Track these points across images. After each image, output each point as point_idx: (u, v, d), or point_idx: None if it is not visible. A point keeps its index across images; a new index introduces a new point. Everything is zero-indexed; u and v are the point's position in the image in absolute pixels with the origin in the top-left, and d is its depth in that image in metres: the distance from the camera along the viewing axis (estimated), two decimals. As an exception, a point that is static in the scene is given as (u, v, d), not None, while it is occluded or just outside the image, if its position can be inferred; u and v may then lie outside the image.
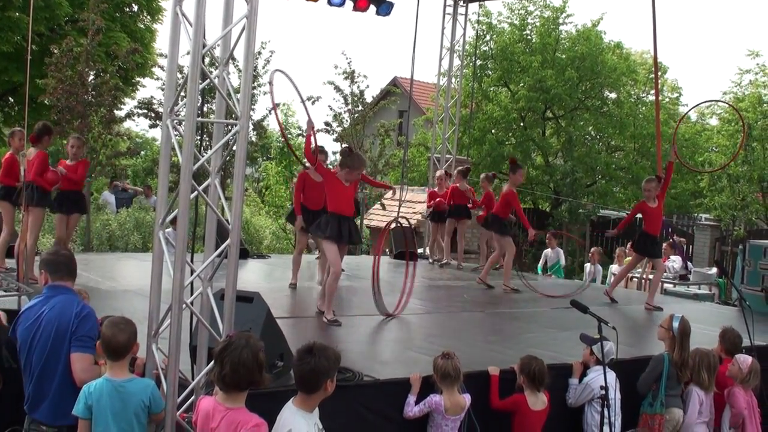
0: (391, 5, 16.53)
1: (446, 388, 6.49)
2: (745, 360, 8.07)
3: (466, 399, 6.57)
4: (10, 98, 25.69)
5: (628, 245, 19.13)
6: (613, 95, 29.21)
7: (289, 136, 25.83)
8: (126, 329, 5.16)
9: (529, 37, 28.73)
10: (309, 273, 12.83)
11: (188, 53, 5.32)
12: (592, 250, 18.04)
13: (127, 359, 5.21)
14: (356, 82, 21.21)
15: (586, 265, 17.82)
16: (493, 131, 28.28)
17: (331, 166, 11.80)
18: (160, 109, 17.93)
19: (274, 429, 4.87)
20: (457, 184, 14.80)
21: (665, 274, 16.53)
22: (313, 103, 21.40)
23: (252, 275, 12.73)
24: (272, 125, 25.81)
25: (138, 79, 25.49)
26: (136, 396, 5.10)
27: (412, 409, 6.49)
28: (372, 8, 16.40)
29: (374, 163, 21.35)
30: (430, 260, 15.87)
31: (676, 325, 7.81)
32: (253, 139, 20.95)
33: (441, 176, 15.40)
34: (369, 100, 22.40)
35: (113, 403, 5.00)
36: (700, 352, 7.89)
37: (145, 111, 20.01)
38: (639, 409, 7.78)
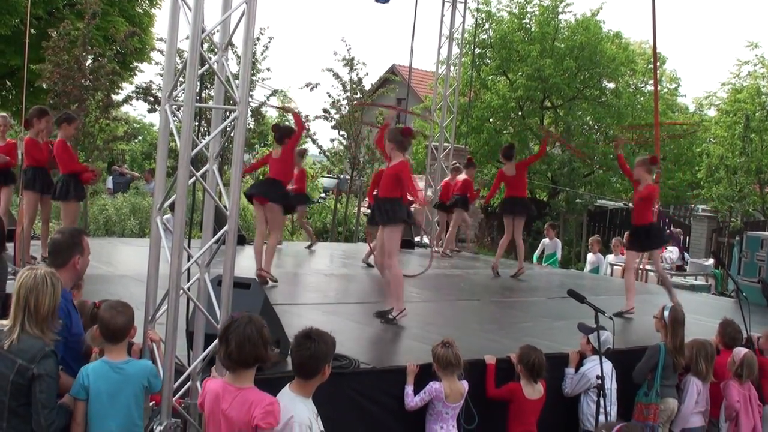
0: (391, -8, 16.51)
1: (446, 375, 6.50)
2: (738, 353, 8.08)
3: (465, 386, 6.58)
4: (7, 82, 25.62)
5: (626, 235, 19.22)
6: (611, 85, 29.19)
7: (287, 123, 25.71)
8: (124, 312, 5.14)
9: (528, 26, 28.70)
10: (298, 262, 12.83)
11: (187, 38, 5.30)
12: (591, 239, 18.02)
13: (125, 343, 5.19)
14: (355, 70, 21.15)
15: (588, 255, 17.80)
16: (491, 120, 28.27)
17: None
18: (159, 94, 17.89)
19: None
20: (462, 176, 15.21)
21: (662, 264, 16.55)
22: (311, 89, 21.36)
23: (249, 261, 12.72)
24: (270, 112, 25.72)
25: (136, 64, 25.44)
26: (135, 377, 5.09)
27: (413, 399, 6.49)
28: (371, -5, 16.39)
29: (372, 150, 21.30)
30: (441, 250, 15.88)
31: (666, 313, 7.85)
32: (252, 125, 20.91)
33: (458, 168, 15.63)
34: (367, 87, 22.31)
35: (110, 385, 4.98)
36: (697, 343, 7.93)
37: (144, 95, 19.96)
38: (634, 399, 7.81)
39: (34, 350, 4.65)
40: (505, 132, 28.31)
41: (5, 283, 6.70)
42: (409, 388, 6.54)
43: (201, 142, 5.43)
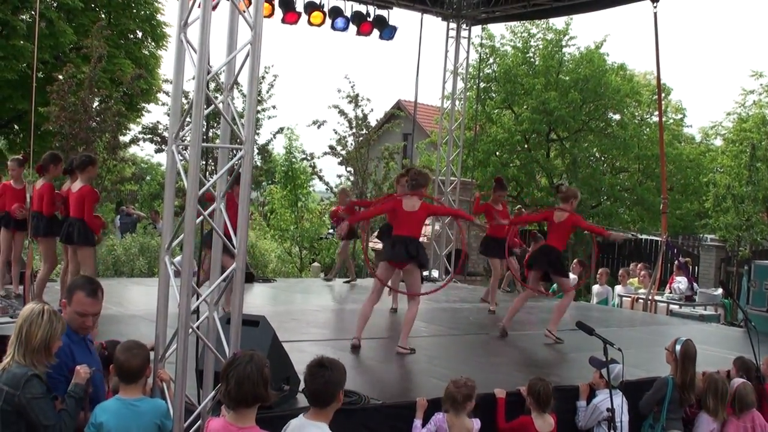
0: (394, 29, 16.65)
1: (452, 411, 6.49)
2: (732, 385, 7.96)
3: (474, 424, 6.54)
4: (15, 125, 25.82)
5: (632, 266, 19.15)
6: (616, 117, 29.24)
7: (293, 160, 25.78)
8: (139, 354, 5.20)
9: (532, 59, 28.82)
10: (307, 298, 12.82)
11: (193, 78, 5.36)
12: (600, 271, 17.89)
13: (140, 382, 5.23)
14: (360, 106, 21.24)
15: (594, 286, 17.71)
16: (497, 153, 28.32)
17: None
18: (166, 134, 17.96)
19: None
20: None
21: (671, 294, 16.51)
22: (319, 126, 21.48)
23: (258, 299, 12.74)
24: (277, 149, 25.79)
25: (143, 104, 25.62)
26: (148, 415, 5.11)
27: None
28: (375, 32, 16.52)
29: (379, 186, 21.37)
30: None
31: (678, 347, 7.77)
32: (258, 163, 21.00)
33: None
34: (373, 123, 22.35)
35: (123, 422, 5.01)
36: (710, 378, 7.81)
37: (151, 136, 20.07)
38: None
39: (18, 377, 4.76)
40: (511, 165, 28.34)
41: None
42: (417, 422, 6.54)
43: (208, 182, 5.48)
